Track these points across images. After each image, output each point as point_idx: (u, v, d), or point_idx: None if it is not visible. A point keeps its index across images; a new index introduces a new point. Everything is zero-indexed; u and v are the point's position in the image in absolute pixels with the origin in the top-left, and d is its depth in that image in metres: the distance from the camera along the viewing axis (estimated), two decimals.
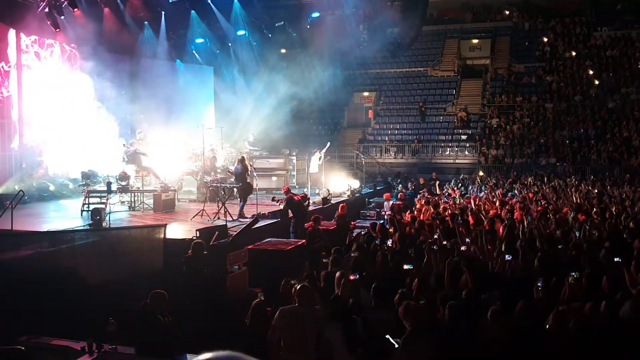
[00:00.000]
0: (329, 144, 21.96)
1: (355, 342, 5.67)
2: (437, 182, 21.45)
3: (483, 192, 17.81)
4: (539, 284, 6.25)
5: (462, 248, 8.32)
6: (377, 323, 5.96)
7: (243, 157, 14.58)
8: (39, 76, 17.45)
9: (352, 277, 6.81)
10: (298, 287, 6.00)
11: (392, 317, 5.98)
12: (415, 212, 13.46)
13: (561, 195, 15.97)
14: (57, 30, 16.94)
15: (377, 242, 9.60)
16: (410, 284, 6.72)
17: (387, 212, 15.49)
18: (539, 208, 12.39)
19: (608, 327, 5.29)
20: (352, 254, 8.23)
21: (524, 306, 5.74)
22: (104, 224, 11.57)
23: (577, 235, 9.36)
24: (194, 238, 10.31)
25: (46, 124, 17.70)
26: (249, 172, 14.39)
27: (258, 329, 6.17)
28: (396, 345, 5.11)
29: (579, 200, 14.04)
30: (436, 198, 16.91)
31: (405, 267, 7.33)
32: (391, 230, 10.71)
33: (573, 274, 6.36)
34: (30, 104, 17.20)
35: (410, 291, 6.46)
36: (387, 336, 5.21)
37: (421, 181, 22.70)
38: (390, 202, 16.35)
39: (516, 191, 17.52)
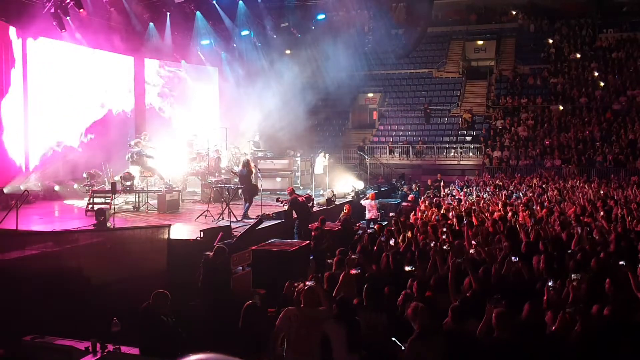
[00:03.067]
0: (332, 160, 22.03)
1: (358, 343, 5.66)
2: (442, 184, 21.41)
3: (487, 194, 17.72)
4: (549, 284, 6.19)
5: (471, 251, 8.25)
6: (369, 324, 5.95)
7: (248, 161, 14.52)
8: (45, 77, 17.47)
9: (353, 272, 6.81)
10: (305, 289, 5.99)
11: (384, 319, 5.96)
12: (419, 214, 13.40)
13: (566, 197, 15.90)
14: (63, 30, 16.96)
15: (382, 239, 9.54)
16: (412, 285, 6.70)
17: (371, 212, 15.65)
18: (544, 210, 12.34)
19: (614, 330, 5.27)
20: (352, 257, 8.22)
21: (530, 308, 5.72)
22: (108, 225, 11.58)
23: (581, 235, 9.28)
24: (198, 238, 10.35)
25: (51, 124, 17.72)
26: (254, 175, 14.38)
27: (249, 331, 6.13)
28: (402, 348, 5.10)
29: (584, 203, 13.96)
30: (439, 199, 16.81)
31: (407, 268, 7.31)
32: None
33: (574, 275, 6.33)
34: (36, 105, 17.21)
35: (412, 292, 6.45)
36: (393, 338, 5.20)
37: (429, 182, 22.70)
38: (374, 202, 16.13)
39: (520, 193, 17.44)
